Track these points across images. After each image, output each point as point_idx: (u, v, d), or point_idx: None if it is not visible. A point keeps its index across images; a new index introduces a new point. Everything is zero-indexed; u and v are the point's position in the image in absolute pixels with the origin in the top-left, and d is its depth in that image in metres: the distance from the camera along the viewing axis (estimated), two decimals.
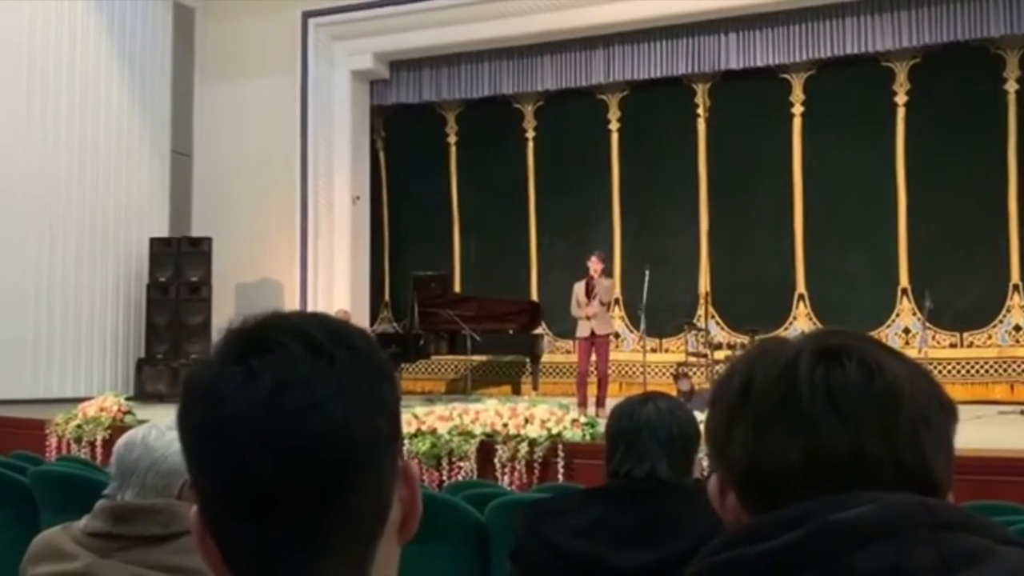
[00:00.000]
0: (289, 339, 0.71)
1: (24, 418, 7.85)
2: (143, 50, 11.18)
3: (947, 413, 0.79)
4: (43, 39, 10.15)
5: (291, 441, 0.68)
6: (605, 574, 1.82)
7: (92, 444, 6.87)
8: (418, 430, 5.88)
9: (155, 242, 10.84)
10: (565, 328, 10.13)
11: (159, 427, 2.13)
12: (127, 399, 7.64)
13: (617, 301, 10.49)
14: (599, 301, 8.25)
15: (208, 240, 10.84)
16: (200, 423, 0.70)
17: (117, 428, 6.50)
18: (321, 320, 0.75)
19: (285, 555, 0.70)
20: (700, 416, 3.07)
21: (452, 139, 11.80)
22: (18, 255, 9.80)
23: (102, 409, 7.20)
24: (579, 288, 8.38)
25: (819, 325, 9.57)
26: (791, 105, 10.23)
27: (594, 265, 8.29)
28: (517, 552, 2.01)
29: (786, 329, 9.86)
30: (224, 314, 10.83)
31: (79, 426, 7.06)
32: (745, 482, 0.78)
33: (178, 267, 10.73)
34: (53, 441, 7.14)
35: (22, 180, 9.82)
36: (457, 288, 10.93)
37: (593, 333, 8.23)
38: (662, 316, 9.67)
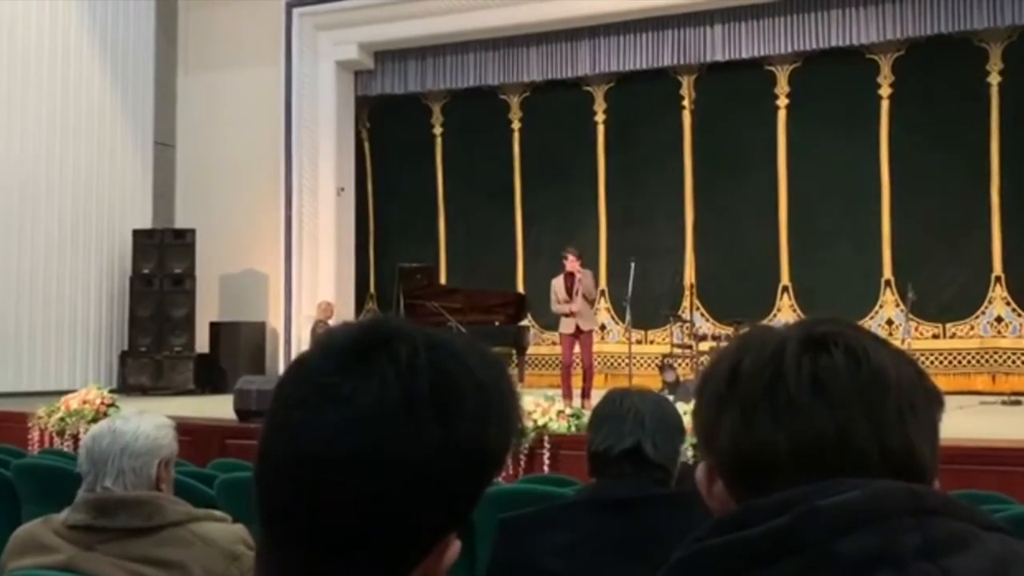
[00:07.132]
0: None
1: (6, 411, 7.79)
2: (125, 40, 11.09)
3: (932, 400, 0.79)
4: (24, 29, 10.05)
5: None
6: None
7: (75, 437, 6.79)
8: None
9: (138, 234, 10.77)
10: (551, 320, 10.11)
11: (122, 416, 2.16)
12: (110, 392, 7.60)
13: (602, 293, 10.49)
14: (583, 297, 8.12)
15: (192, 232, 10.77)
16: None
17: (101, 421, 6.44)
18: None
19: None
20: (684, 407, 3.06)
21: (437, 130, 11.77)
22: (0, 248, 9.71)
23: (85, 402, 7.14)
24: (557, 284, 8.24)
25: (803, 317, 9.60)
26: (776, 97, 10.25)
27: (570, 263, 8.09)
28: (493, 571, 1.82)
29: (771, 321, 9.89)
30: (208, 306, 10.79)
31: (62, 419, 7.00)
32: (732, 469, 0.78)
33: (161, 259, 10.66)
34: (36, 434, 7.08)
35: (2, 172, 9.73)
36: (443, 279, 10.92)
37: (578, 329, 8.13)
38: (647, 308, 9.68)
